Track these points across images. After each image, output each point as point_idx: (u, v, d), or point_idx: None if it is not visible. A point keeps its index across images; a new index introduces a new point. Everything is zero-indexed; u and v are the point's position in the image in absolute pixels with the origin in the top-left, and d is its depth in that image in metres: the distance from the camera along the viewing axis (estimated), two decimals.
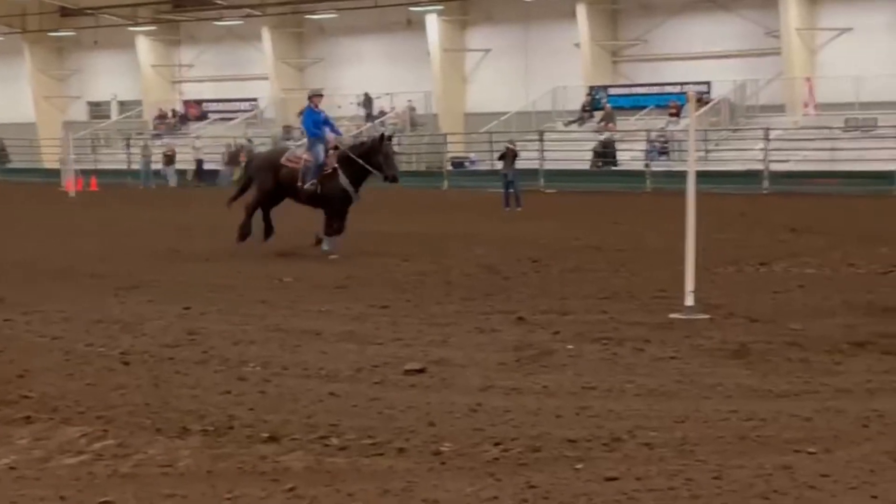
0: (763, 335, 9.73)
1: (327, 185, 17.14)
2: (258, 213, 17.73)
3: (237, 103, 52.95)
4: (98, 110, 58.20)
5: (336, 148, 17.38)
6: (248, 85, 53.03)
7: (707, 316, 10.73)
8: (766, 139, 36.30)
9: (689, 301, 10.97)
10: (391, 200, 26.93)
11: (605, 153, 40.04)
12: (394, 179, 17.40)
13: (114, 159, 50.02)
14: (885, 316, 10.71)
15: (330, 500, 5.55)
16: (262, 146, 47.19)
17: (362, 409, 7.31)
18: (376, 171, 17.10)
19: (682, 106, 38.43)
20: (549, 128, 42.48)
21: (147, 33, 55.41)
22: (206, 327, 10.49)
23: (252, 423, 6.97)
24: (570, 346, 9.33)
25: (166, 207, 31.68)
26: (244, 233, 17.63)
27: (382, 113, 47.81)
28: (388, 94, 47.34)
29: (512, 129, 40.23)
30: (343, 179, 17.05)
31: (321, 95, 18.30)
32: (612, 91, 44.00)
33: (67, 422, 7.07)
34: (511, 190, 28.11)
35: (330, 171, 17.14)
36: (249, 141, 47.50)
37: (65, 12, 56.76)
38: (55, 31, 57.23)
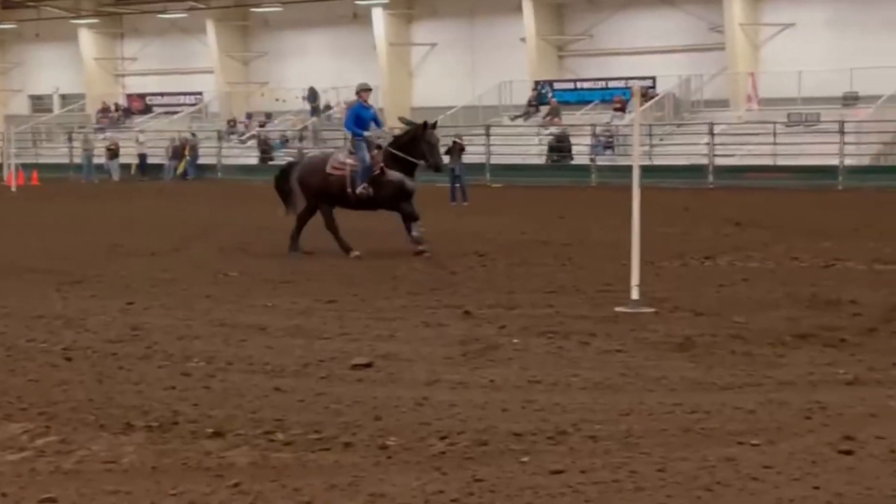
0: (707, 328, 9.80)
1: (380, 184, 16.42)
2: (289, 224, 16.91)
3: (181, 97, 52.59)
4: (40, 104, 57.62)
5: (379, 147, 16.67)
6: (192, 78, 52.69)
7: (652, 309, 10.79)
8: (711, 134, 36.58)
9: (635, 295, 11.03)
10: None
11: (561, 148, 40.13)
12: (437, 169, 16.99)
13: (56, 153, 49.58)
14: (827, 309, 10.82)
15: (275, 496, 5.52)
16: (206, 140, 47.09)
17: (308, 404, 7.29)
18: (420, 160, 16.49)
19: (628, 101, 38.66)
20: (495, 122, 42.59)
21: (90, 26, 54.89)
22: (150, 322, 10.41)
23: (196, 418, 6.92)
24: (516, 340, 9.35)
25: (109, 202, 31.39)
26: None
27: (328, 107, 47.67)
28: (334, 87, 47.18)
29: (459, 124, 40.27)
30: (394, 174, 16.37)
31: (369, 90, 17.42)
32: (558, 86, 44.18)
33: (9, 418, 6.98)
34: (458, 184, 28.15)
35: (378, 171, 16.41)
36: (193, 135, 47.24)
37: (6, 4, 56.04)
38: None
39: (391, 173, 16.36)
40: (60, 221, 23.67)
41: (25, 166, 41.76)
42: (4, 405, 7.30)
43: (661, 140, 39.43)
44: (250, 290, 12.72)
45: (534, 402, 7.24)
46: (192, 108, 51.95)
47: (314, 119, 47.23)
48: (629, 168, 12.41)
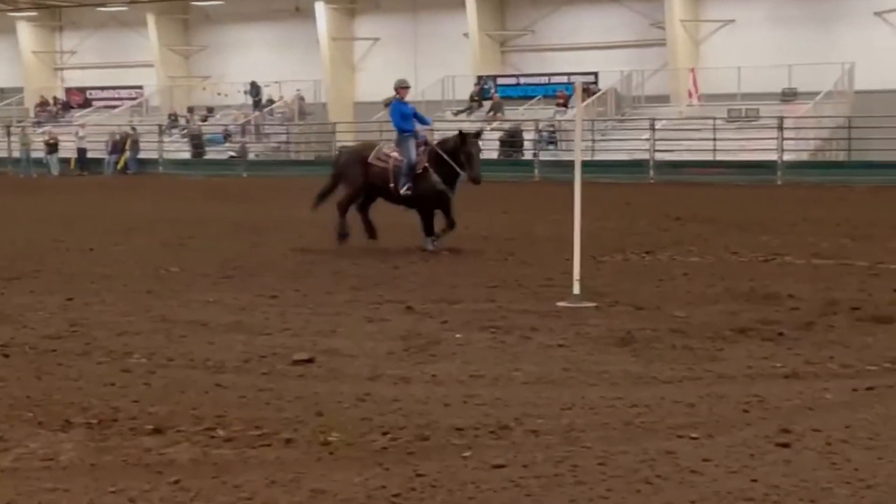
0: (648, 323, 9.88)
1: (420, 185, 16.01)
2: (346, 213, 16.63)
3: (122, 91, 52.10)
4: None
5: (426, 144, 16.31)
6: (132, 72, 52.18)
7: (593, 304, 10.86)
8: (652, 129, 36.84)
9: (576, 289, 11.10)
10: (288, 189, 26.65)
11: (514, 143, 40.17)
12: (475, 181, 15.98)
13: None
14: (765, 303, 10.94)
15: (216, 493, 5.49)
16: (147, 134, 46.66)
17: (249, 400, 7.26)
18: (460, 170, 15.86)
19: (570, 96, 38.79)
20: (438, 117, 42.51)
21: (28, 19, 54.23)
22: (90, 318, 10.32)
23: (137, 415, 6.87)
24: (458, 335, 9.37)
25: (48, 196, 31.06)
26: (342, 233, 16.40)
27: (271, 101, 47.45)
28: (276, 82, 46.97)
29: None
30: (435, 178, 15.89)
31: (408, 87, 17.12)
32: (501, 81, 44.23)
33: None
34: None
35: (421, 170, 16.02)
36: (134, 129, 46.81)
37: None
38: None
39: (434, 178, 15.92)
40: None
41: None
42: None
43: (602, 135, 39.62)
44: (191, 285, 12.64)
45: (476, 396, 7.26)
46: (133, 103, 51.47)
47: (256, 113, 46.97)
48: (571, 163, 12.47)
